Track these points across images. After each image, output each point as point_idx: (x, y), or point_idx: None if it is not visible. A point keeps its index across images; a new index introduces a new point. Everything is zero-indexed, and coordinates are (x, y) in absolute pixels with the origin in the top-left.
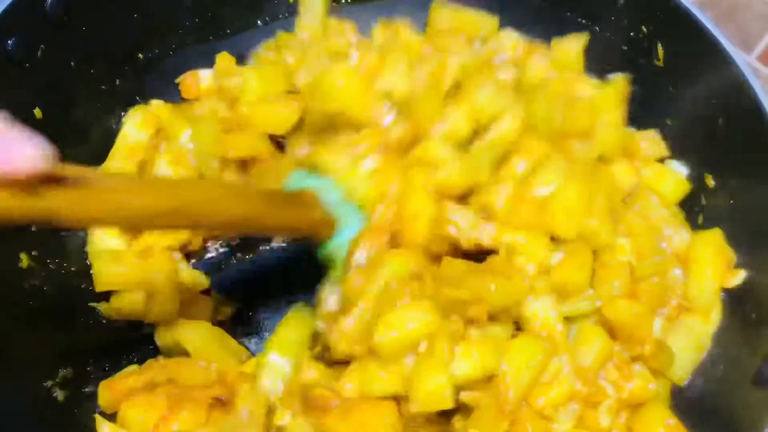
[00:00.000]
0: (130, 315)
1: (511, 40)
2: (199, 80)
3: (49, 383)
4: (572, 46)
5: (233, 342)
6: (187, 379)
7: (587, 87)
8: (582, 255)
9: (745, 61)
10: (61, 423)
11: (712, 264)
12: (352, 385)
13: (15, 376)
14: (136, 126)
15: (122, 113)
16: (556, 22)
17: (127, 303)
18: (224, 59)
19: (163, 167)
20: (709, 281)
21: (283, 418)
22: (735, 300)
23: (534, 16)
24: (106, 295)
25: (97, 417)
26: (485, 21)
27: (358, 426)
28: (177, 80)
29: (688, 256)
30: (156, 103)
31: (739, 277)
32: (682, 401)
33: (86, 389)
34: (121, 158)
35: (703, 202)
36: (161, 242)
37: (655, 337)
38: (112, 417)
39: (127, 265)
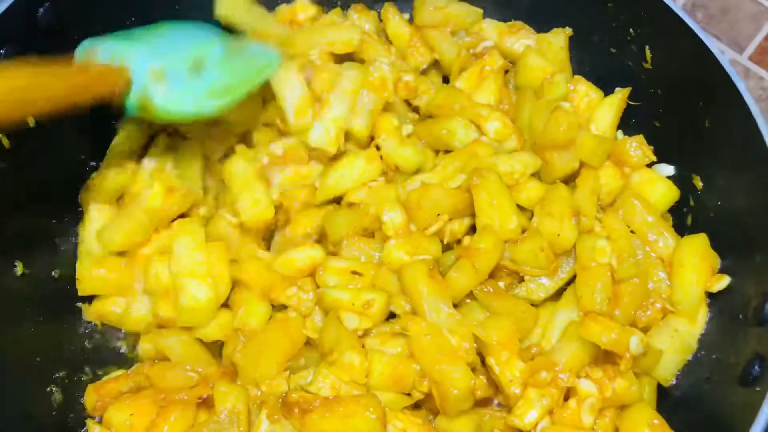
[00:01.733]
0: (110, 321)
1: (494, 26)
2: None
3: (44, 388)
4: (556, 40)
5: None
6: (171, 383)
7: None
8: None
9: (737, 61)
10: (57, 426)
11: (697, 269)
12: (326, 382)
13: (12, 380)
14: (130, 134)
15: (115, 121)
16: (544, 25)
17: (108, 309)
18: None
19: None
20: (693, 286)
21: (259, 428)
22: (722, 300)
23: (522, 20)
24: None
25: (90, 422)
26: (469, 13)
27: (342, 420)
28: None
29: (673, 260)
30: None
31: (722, 282)
32: (670, 401)
33: (80, 393)
34: (115, 165)
35: (692, 203)
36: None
37: (633, 354)
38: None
39: (110, 271)
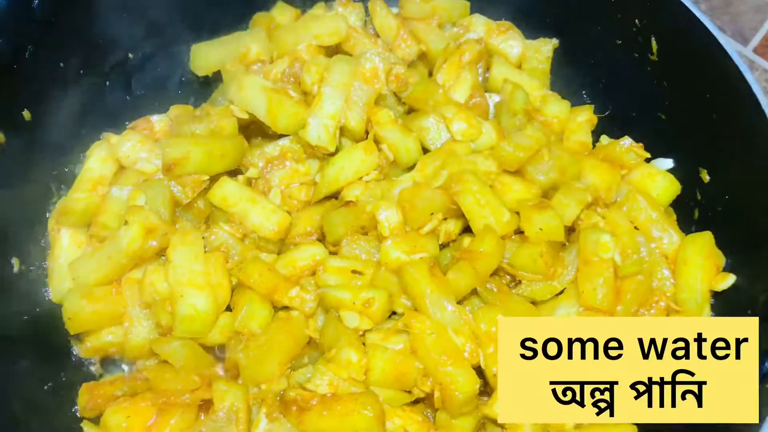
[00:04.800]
0: (108, 352)
1: (483, 21)
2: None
3: (43, 386)
4: (545, 49)
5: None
6: (171, 386)
7: (554, 105)
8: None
9: (741, 53)
10: (56, 427)
11: (702, 267)
12: (324, 379)
13: (11, 380)
14: (101, 160)
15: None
16: (546, 18)
17: (104, 341)
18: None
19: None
20: (698, 284)
21: (258, 426)
22: (728, 297)
23: (527, 12)
24: None
25: (85, 423)
26: (456, 6)
27: (340, 418)
28: (130, 125)
29: (677, 258)
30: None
31: (728, 281)
32: None
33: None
34: (85, 190)
35: (699, 196)
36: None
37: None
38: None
39: (100, 302)
